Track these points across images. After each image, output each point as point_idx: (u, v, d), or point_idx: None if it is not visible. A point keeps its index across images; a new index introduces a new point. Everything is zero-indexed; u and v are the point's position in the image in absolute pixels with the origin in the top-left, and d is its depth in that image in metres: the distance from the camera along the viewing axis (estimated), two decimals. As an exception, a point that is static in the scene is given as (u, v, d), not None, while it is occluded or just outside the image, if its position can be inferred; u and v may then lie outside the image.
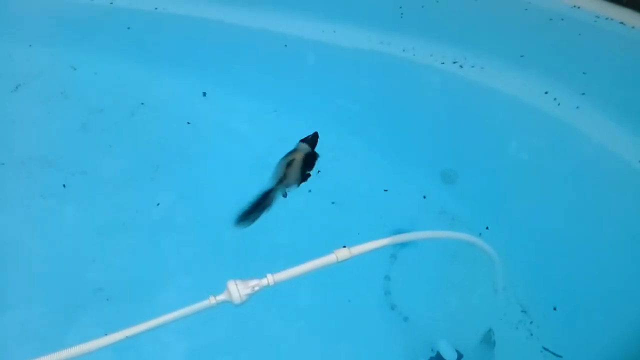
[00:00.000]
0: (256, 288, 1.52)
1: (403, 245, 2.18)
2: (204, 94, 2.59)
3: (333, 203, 2.31)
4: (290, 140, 2.45)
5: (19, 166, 2.37)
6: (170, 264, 2.09)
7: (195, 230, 2.19)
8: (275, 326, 1.94)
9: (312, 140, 2.28)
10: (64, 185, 2.32)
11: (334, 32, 2.75)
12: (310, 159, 2.23)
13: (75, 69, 2.65)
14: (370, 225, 2.26)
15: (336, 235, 2.20)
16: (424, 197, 2.34)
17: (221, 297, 1.52)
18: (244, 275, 1.73)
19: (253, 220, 2.02)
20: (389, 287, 2.13)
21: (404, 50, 2.63)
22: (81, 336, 1.92)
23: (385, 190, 2.31)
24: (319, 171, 2.34)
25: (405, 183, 2.39)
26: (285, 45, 2.69)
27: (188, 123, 2.53)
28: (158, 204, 2.24)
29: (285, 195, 2.14)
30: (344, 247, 1.65)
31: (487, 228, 2.16)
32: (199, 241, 2.15)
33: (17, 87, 2.59)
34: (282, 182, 2.12)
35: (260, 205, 2.05)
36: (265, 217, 2.19)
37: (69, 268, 2.14)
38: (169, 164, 2.42)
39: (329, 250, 1.72)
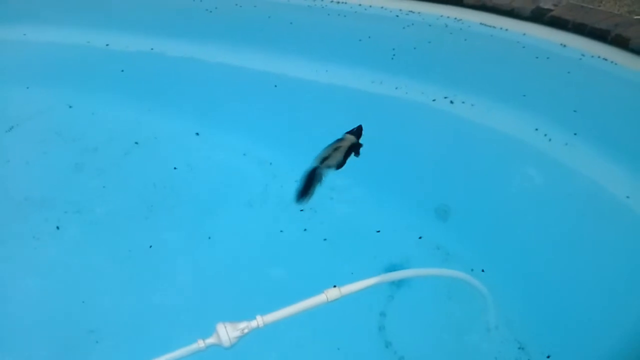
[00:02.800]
0: (245, 330, 1.51)
1: (398, 284, 2.17)
2: (197, 133, 2.62)
3: (325, 240, 2.31)
4: (283, 176, 2.47)
5: (14, 207, 2.38)
6: (162, 306, 2.07)
7: (188, 270, 2.18)
8: None
9: (357, 132, 2.43)
10: (57, 227, 2.31)
11: (327, 71, 2.80)
12: (355, 148, 2.39)
13: (71, 108, 2.68)
14: (363, 263, 2.24)
15: (329, 273, 2.20)
16: (419, 235, 2.34)
17: (210, 341, 1.51)
18: (234, 313, 1.72)
19: (310, 196, 2.21)
20: (384, 324, 2.11)
21: (396, 89, 2.68)
22: None
23: (378, 231, 2.31)
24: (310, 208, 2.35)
25: (398, 220, 2.39)
26: (276, 86, 2.74)
27: (181, 162, 2.54)
28: (150, 246, 2.23)
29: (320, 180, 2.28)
30: (335, 286, 1.64)
31: (482, 271, 2.15)
32: (192, 281, 2.14)
33: (11, 128, 2.62)
34: (324, 161, 2.27)
35: (309, 182, 2.22)
36: (259, 253, 2.21)
37: (61, 309, 2.12)
38: (162, 202, 2.42)
39: (320, 288, 1.73)
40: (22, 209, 2.38)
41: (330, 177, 2.46)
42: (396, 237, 2.34)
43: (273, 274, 2.21)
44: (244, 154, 2.58)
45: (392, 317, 2.12)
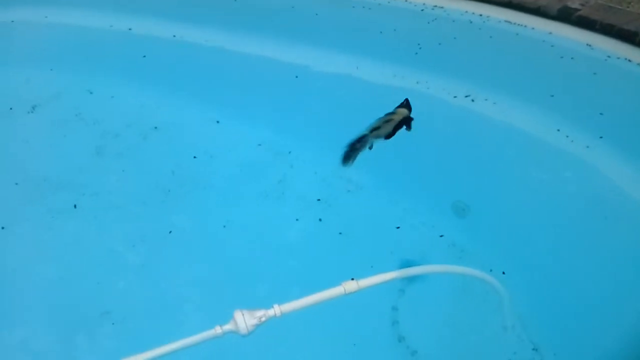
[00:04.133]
0: (263, 319, 1.51)
1: (412, 278, 2.16)
2: (218, 121, 2.62)
3: (340, 233, 2.31)
4: (300, 167, 2.47)
5: (33, 187, 2.39)
6: (178, 290, 2.08)
7: (203, 257, 2.18)
8: (278, 358, 1.91)
9: (407, 105, 2.40)
10: (74, 206, 2.32)
11: (348, 64, 2.79)
12: (407, 121, 2.37)
13: (91, 93, 2.69)
14: (378, 257, 2.24)
15: (342, 265, 2.20)
16: (434, 231, 2.33)
17: (227, 327, 1.51)
18: (250, 303, 1.72)
19: (353, 161, 2.17)
20: (397, 318, 2.10)
21: (417, 83, 2.66)
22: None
23: (398, 227, 2.30)
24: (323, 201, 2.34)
25: (413, 215, 2.38)
26: (297, 77, 2.73)
27: (200, 149, 2.54)
28: (170, 232, 2.24)
29: (370, 147, 2.24)
30: (352, 279, 1.64)
31: (503, 273, 2.13)
32: (207, 268, 2.14)
33: (33, 109, 2.63)
34: (374, 131, 2.25)
35: (355, 148, 2.19)
36: (274, 243, 2.22)
37: (76, 289, 2.14)
38: (179, 188, 2.43)
39: (334, 280, 1.72)
40: (40, 189, 2.40)
41: (347, 171, 2.46)
42: (411, 233, 2.33)
43: (287, 264, 2.22)
44: (262, 144, 2.58)
45: (405, 311, 2.11)
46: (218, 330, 1.51)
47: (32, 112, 2.63)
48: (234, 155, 2.56)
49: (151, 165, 2.51)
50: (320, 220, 2.34)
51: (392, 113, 2.35)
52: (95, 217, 2.32)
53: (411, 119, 2.39)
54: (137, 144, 2.55)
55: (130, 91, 2.70)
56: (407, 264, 2.19)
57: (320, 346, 1.95)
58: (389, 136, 2.30)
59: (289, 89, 2.73)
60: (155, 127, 2.59)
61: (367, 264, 2.10)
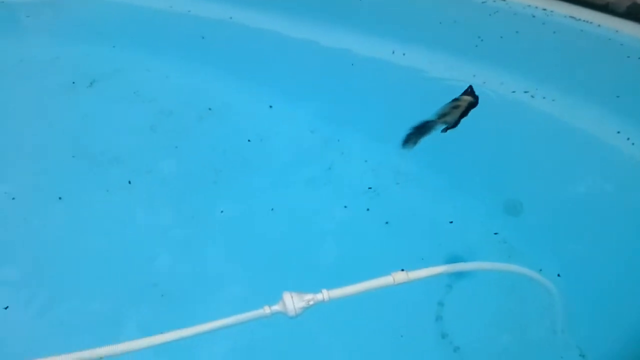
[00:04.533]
0: (311, 302, 1.52)
1: (460, 274, 2.13)
2: (271, 106, 2.63)
3: (387, 223, 2.29)
4: (349, 155, 2.46)
5: (89, 160, 2.46)
6: (226, 269, 2.11)
7: (251, 238, 2.20)
8: (324, 342, 1.91)
9: (471, 92, 2.44)
10: (129, 182, 2.38)
11: (404, 54, 2.75)
12: (472, 107, 2.41)
13: (149, 71, 2.74)
14: (425, 250, 2.21)
15: (387, 256, 2.19)
16: (483, 225, 2.28)
17: (276, 308, 1.53)
18: (295, 286, 1.74)
19: (414, 144, 2.27)
20: (442, 314, 2.07)
21: (474, 76, 2.60)
22: (131, 330, 1.99)
23: (451, 222, 2.26)
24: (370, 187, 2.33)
25: (464, 210, 2.34)
26: (352, 64, 2.71)
27: (252, 132, 2.56)
28: (222, 211, 2.27)
29: (444, 130, 2.31)
30: (402, 270, 1.62)
31: (558, 275, 2.08)
32: (255, 249, 2.16)
33: (92, 83, 2.70)
34: (443, 117, 2.32)
35: (419, 131, 2.28)
36: (320, 229, 2.22)
37: (127, 262, 2.19)
38: (230, 170, 2.45)
39: (378, 270, 1.73)
40: (96, 163, 2.46)
41: (397, 162, 2.44)
42: (461, 228, 2.29)
43: (333, 251, 2.21)
44: (314, 130, 2.57)
45: (450, 307, 2.08)
46: (267, 310, 1.53)
47: (90, 86, 2.69)
48: (285, 140, 2.57)
49: (204, 146, 2.54)
50: (368, 209, 2.33)
51: (458, 99, 2.37)
52: (148, 193, 2.37)
53: (475, 105, 2.38)
54: (191, 123, 2.59)
55: (186, 71, 2.74)
56: (454, 259, 2.17)
57: (365, 335, 1.94)
58: (455, 124, 2.29)
59: (344, 77, 2.71)
60: (210, 109, 2.62)
61: (413, 256, 2.09)
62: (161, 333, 1.72)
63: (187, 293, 2.09)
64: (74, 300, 2.06)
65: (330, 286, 1.74)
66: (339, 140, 2.53)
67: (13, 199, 2.31)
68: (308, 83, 2.71)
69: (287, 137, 2.57)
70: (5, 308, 2.00)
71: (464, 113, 2.37)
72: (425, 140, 2.41)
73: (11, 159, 2.42)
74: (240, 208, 2.34)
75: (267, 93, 2.66)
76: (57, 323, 2.01)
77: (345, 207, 2.33)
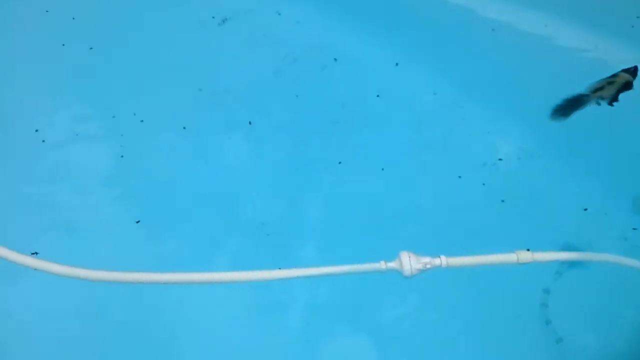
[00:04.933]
0: (428, 265, 1.50)
1: (572, 263, 2.03)
2: (397, 64, 2.56)
3: (503, 202, 2.21)
4: (471, 122, 2.37)
5: (214, 96, 2.52)
6: (339, 220, 2.13)
7: (365, 196, 2.21)
8: (428, 307, 1.90)
9: (634, 72, 2.35)
10: (249, 122, 2.43)
11: (545, 26, 2.57)
12: (628, 86, 2.32)
13: (280, 14, 2.74)
14: (539, 235, 2.11)
15: (502, 235, 2.12)
16: (605, 216, 2.15)
17: (392, 265, 1.52)
18: (396, 248, 1.72)
19: (565, 116, 2.23)
20: (547, 301, 1.99)
21: (622, 61, 2.40)
22: (226, 263, 2.06)
23: (586, 209, 2.15)
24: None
25: (587, 198, 2.20)
26: (493, 30, 2.57)
27: (373, 88, 2.52)
28: (339, 162, 2.29)
29: (599, 103, 2.26)
30: (528, 250, 1.56)
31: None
32: (368, 206, 2.18)
33: (224, 21, 2.74)
34: (597, 92, 2.26)
35: (572, 104, 2.23)
36: (435, 198, 2.21)
37: (237, 199, 2.27)
38: (347, 123, 2.44)
39: (491, 247, 1.69)
40: (220, 99, 2.53)
41: (522, 138, 2.34)
42: (579, 215, 2.18)
43: (442, 219, 2.17)
44: (438, 93, 2.49)
45: (557, 296, 2.00)
46: (382, 265, 1.52)
47: (222, 24, 2.74)
48: (406, 100, 2.51)
49: (324, 96, 2.54)
50: (483, 184, 2.25)
51: (616, 75, 2.28)
52: (266, 136, 2.41)
53: (630, 86, 2.28)
54: (315, 72, 2.59)
55: (317, 19, 2.71)
56: (570, 247, 2.06)
57: (469, 309, 1.91)
58: (612, 100, 2.15)
59: (481, 43, 2.58)
60: (335, 59, 2.60)
61: (526, 239, 2.00)
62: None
63: (293, 237, 2.14)
64: (182, 233, 2.17)
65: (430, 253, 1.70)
66: (462, 107, 2.44)
67: (141, 121, 2.43)
68: (440, 45, 2.61)
69: (408, 97, 2.52)
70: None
71: (621, 90, 2.25)
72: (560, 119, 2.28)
73: (143, 86, 2.53)
74: (351, 163, 2.34)
75: (395, 50, 2.59)
76: (158, 246, 2.12)
77: (460, 177, 2.27)
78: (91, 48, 2.61)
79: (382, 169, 2.31)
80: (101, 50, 2.61)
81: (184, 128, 2.43)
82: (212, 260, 2.11)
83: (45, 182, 2.25)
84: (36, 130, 2.38)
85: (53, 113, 2.45)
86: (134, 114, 2.45)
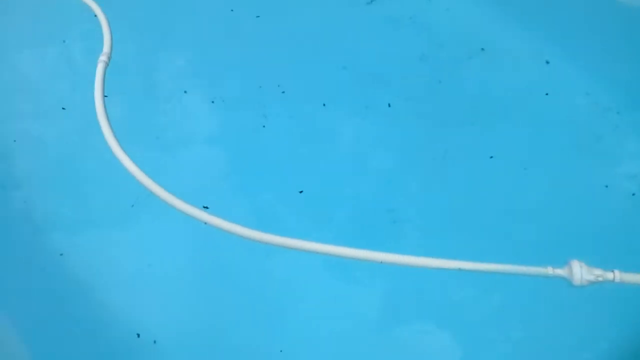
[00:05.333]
0: (600, 278, 1.45)
1: None
2: (547, 62, 2.47)
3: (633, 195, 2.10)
4: (627, 132, 2.26)
5: (356, 75, 2.55)
6: (470, 215, 2.12)
7: (505, 194, 2.17)
8: (592, 322, 1.78)
9: None
10: (389, 105, 2.43)
11: None
12: None
13: (429, 0, 2.71)
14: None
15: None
16: None
17: (560, 272, 1.49)
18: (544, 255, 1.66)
19: None
20: None
21: None
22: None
23: None
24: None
25: None
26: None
27: (520, 84, 2.45)
28: (491, 157, 2.26)
29: None
30: None
31: None
32: (507, 205, 2.14)
33: (372, 1, 2.73)
34: None
35: None
36: (573, 203, 2.13)
37: (364, 182, 2.28)
38: (485, 116, 2.39)
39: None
40: (362, 79, 2.54)
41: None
42: None
43: (589, 230, 2.08)
44: (590, 93, 2.39)
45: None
46: (549, 270, 1.49)
47: (370, 4, 2.74)
48: (554, 99, 2.42)
49: (466, 86, 2.50)
50: (633, 194, 2.15)
51: None
52: (405, 120, 2.40)
53: None
54: (460, 60, 2.55)
55: (467, 7, 2.66)
56: None
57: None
58: None
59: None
60: (482, 49, 2.54)
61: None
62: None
63: (428, 225, 2.13)
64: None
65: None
66: (617, 113, 2.32)
67: (283, 92, 2.48)
68: (600, 47, 2.48)
69: (557, 96, 2.42)
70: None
71: None
72: None
73: (290, 59, 2.58)
74: (490, 157, 2.29)
75: (548, 47, 2.50)
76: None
77: (606, 186, 2.17)
78: (258, 16, 2.67)
79: (525, 169, 2.24)
80: (266, 19, 2.67)
81: (324, 105, 2.45)
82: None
83: (203, 144, 2.36)
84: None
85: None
86: (278, 85, 2.50)
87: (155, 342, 1.91)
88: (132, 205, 2.14)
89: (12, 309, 1.98)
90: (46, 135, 2.42)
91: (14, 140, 2.38)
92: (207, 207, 2.08)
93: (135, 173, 2.01)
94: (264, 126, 2.42)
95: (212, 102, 2.49)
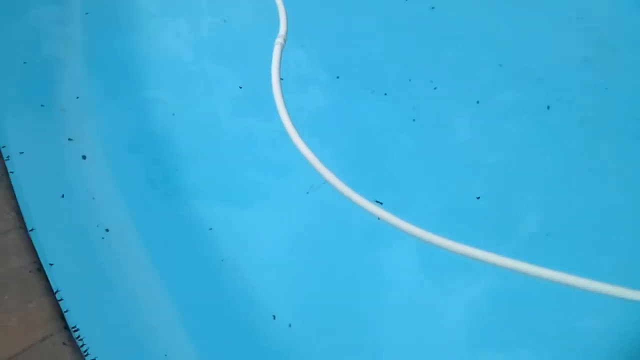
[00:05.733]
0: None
1: None
2: None
3: None
4: None
5: (513, 74, 2.44)
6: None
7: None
8: None
9: None
10: (547, 107, 2.30)
11: None
12: None
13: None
14: None
15: None
16: None
17: None
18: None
19: None
20: None
21: None
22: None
23: None
24: None
25: None
26: None
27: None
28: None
29: None
30: None
31: None
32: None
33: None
34: None
35: None
36: None
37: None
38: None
39: None
40: (518, 78, 2.44)
41: None
42: None
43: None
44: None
45: None
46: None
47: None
48: None
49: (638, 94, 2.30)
50: None
51: None
52: (561, 125, 2.27)
53: None
54: (631, 62, 2.39)
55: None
56: None
57: None
58: None
59: None
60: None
61: None
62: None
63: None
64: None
65: None
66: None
67: (435, 89, 2.43)
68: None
69: None
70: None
71: None
72: None
73: (442, 54, 2.51)
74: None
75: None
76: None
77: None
78: (433, 7, 2.63)
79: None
80: (441, 9, 2.63)
81: (477, 102, 2.36)
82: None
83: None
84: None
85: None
86: (431, 81, 2.44)
87: (290, 325, 1.90)
88: (307, 193, 2.12)
89: (166, 271, 2.03)
90: (221, 113, 2.45)
91: (173, 114, 2.40)
92: (380, 203, 2.03)
93: (312, 161, 1.99)
94: (414, 120, 2.37)
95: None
